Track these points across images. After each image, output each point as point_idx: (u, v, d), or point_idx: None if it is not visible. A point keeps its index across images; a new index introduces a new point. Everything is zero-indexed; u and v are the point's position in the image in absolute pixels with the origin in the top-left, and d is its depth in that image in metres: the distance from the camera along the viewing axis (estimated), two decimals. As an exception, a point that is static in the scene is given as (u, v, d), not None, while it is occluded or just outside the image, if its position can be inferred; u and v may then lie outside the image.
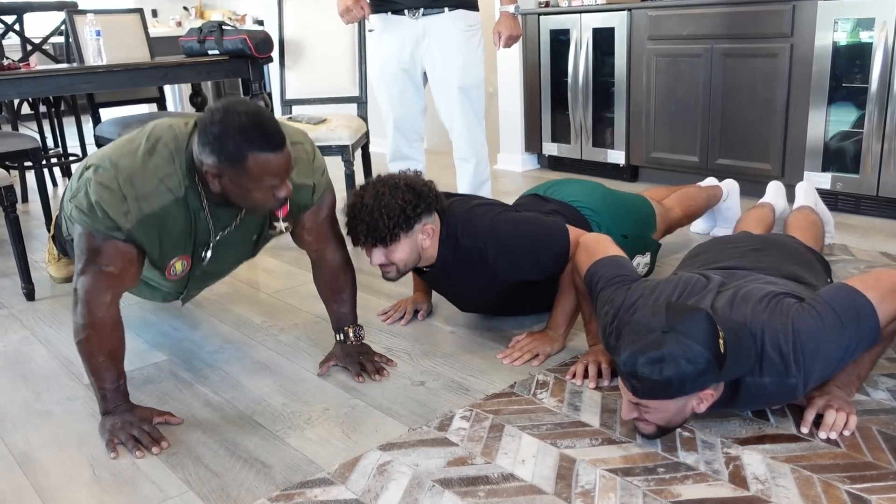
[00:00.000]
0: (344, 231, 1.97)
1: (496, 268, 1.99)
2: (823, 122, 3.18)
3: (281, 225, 1.81)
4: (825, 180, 3.22)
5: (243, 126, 1.53)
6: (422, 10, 2.78)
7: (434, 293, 2.41)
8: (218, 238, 1.81)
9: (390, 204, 1.88)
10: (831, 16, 3.07)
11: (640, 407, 1.48)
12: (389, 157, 3.07)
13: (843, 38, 3.09)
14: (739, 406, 1.61)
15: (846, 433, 1.56)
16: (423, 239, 1.96)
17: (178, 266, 1.81)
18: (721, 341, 1.40)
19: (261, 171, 1.56)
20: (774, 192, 2.66)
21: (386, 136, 3.09)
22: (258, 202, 1.64)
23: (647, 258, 2.45)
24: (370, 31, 2.96)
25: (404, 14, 2.81)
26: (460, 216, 2.03)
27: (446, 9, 2.79)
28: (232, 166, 1.55)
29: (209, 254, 1.83)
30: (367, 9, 2.79)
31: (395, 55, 2.89)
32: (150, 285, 1.95)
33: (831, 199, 3.26)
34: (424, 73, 2.93)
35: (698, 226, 3.04)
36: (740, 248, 1.90)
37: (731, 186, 2.89)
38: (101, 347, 1.67)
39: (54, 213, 3.56)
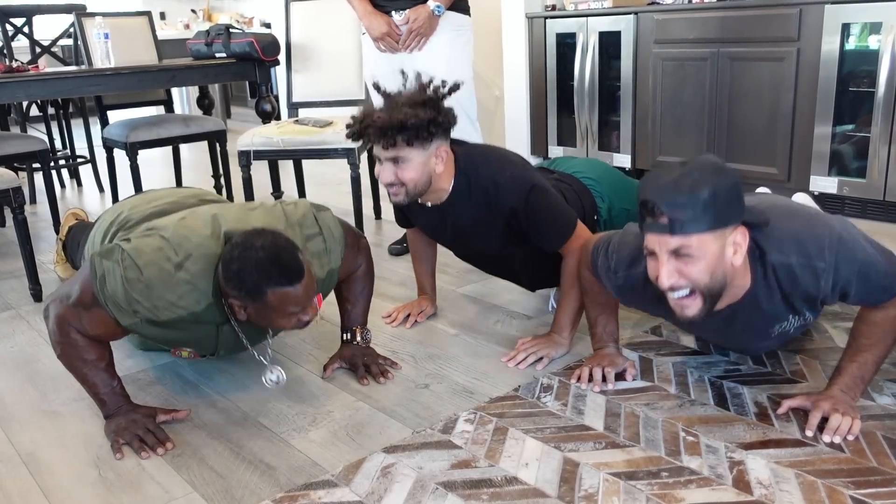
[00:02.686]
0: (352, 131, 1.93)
1: (504, 206, 1.96)
2: (830, 127, 3.18)
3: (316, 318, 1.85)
4: (831, 185, 3.22)
5: (260, 262, 1.56)
6: (407, 11, 2.78)
7: (439, 298, 2.41)
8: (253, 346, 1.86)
9: (413, 103, 1.84)
10: (838, 20, 3.07)
11: (680, 261, 1.41)
12: None
13: (850, 43, 3.09)
14: (767, 302, 1.56)
15: (850, 437, 1.56)
16: (437, 163, 1.93)
17: (185, 353, 1.87)
18: (736, 191, 1.42)
19: (281, 304, 1.60)
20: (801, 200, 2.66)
21: None
22: (282, 326, 1.70)
23: None
24: (363, 33, 2.97)
25: (391, 15, 2.80)
26: (485, 153, 2.02)
27: (436, 11, 2.79)
28: (253, 301, 1.60)
29: (275, 376, 1.91)
30: (393, 36, 2.80)
31: (385, 56, 2.90)
32: (159, 347, 1.98)
33: (837, 203, 3.25)
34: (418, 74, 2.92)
35: None
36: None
37: None
38: (79, 359, 1.68)
39: (62, 216, 3.59)
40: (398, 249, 3.03)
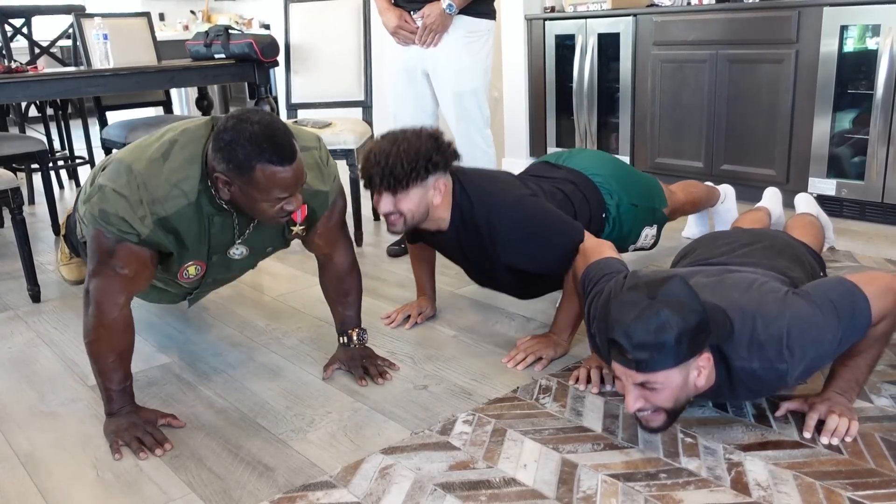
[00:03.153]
0: (358, 174, 1.98)
1: (500, 251, 1.98)
2: (828, 129, 3.18)
3: (298, 229, 1.81)
4: (830, 187, 3.22)
5: (254, 136, 1.53)
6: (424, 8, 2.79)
7: (438, 300, 2.41)
8: (238, 244, 1.82)
9: (409, 149, 1.87)
10: (837, 22, 3.07)
11: (646, 390, 1.44)
12: None
13: (848, 45, 3.09)
14: (732, 395, 1.59)
15: (847, 439, 1.56)
16: (434, 195, 1.95)
17: (192, 270, 1.83)
18: (701, 328, 1.41)
19: (268, 183, 1.56)
20: (771, 197, 2.66)
21: None
22: (266, 214, 1.64)
23: (654, 230, 2.45)
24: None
25: (412, 14, 2.82)
26: (478, 186, 2.01)
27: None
28: (240, 175, 1.56)
29: (240, 251, 1.84)
30: (406, 29, 2.82)
31: (399, 54, 2.92)
32: (158, 288, 1.96)
33: (836, 205, 3.26)
34: (428, 76, 2.94)
35: (690, 230, 3.05)
36: (731, 244, 1.90)
37: (727, 190, 2.91)
38: (110, 348, 1.68)
39: (61, 216, 3.58)
40: (396, 250, 3.03)
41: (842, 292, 1.50)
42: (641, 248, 2.47)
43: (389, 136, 1.94)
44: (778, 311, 1.48)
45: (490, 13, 2.89)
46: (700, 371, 1.46)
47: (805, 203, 2.58)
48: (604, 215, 2.27)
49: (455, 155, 1.98)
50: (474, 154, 3.00)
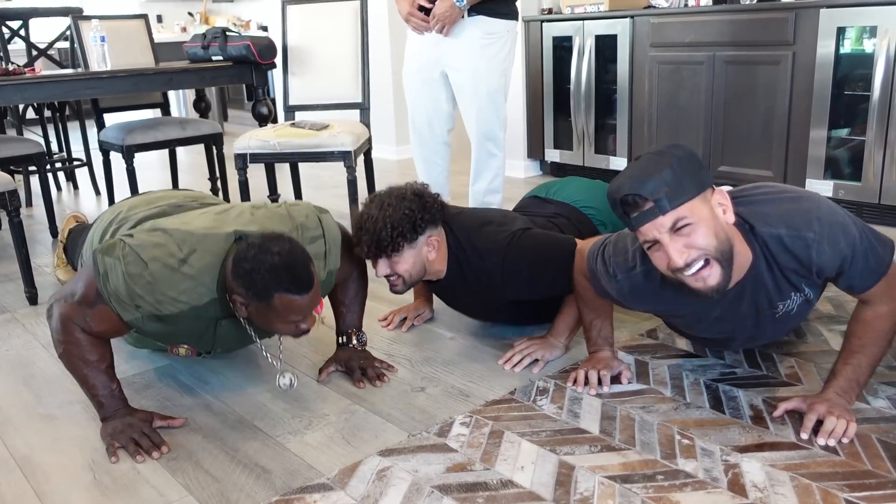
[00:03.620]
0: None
1: (505, 290, 2.00)
2: (825, 130, 3.19)
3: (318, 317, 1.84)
4: (827, 188, 3.22)
5: (274, 267, 1.57)
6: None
7: (436, 299, 2.42)
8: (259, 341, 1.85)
9: (395, 215, 1.89)
10: (834, 24, 3.08)
11: (682, 236, 1.42)
12: (414, 156, 3.17)
13: (845, 46, 3.10)
14: (768, 287, 1.59)
15: (845, 440, 1.56)
16: (429, 251, 1.97)
17: (182, 351, 1.88)
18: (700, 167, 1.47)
19: (286, 310, 1.61)
20: None
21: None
22: (280, 331, 1.70)
23: None
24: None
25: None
26: (470, 233, 2.03)
27: (465, 14, 2.80)
28: (258, 301, 1.60)
29: (287, 381, 1.88)
30: (417, 16, 2.84)
31: (417, 54, 2.93)
32: (155, 344, 1.98)
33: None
34: (446, 76, 2.95)
35: None
36: None
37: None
38: (81, 359, 1.69)
39: (58, 219, 3.58)
40: None
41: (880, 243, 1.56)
42: None
43: (377, 200, 1.95)
44: (815, 197, 1.52)
45: (510, 13, 2.88)
46: (724, 208, 1.48)
47: None
48: None
49: (442, 208, 1.99)
50: (483, 158, 3.01)
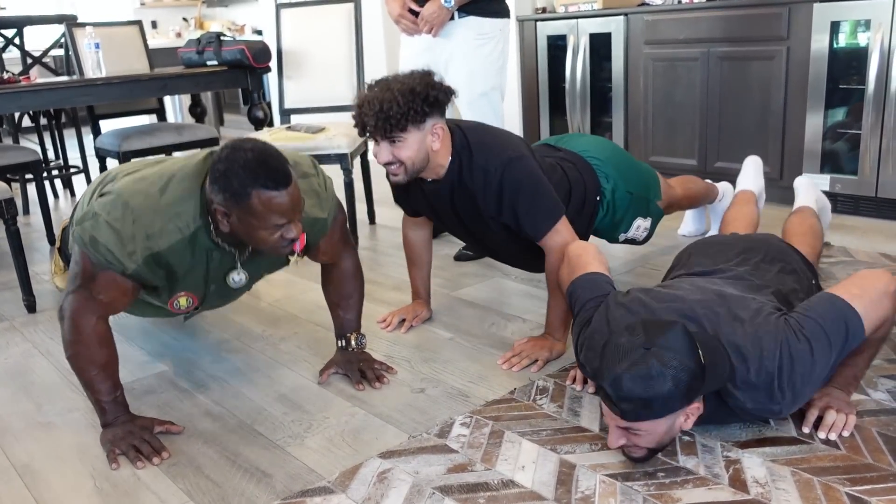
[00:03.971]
0: (352, 123, 1.93)
1: (489, 197, 1.96)
2: (821, 124, 3.19)
3: (295, 257, 1.79)
4: (824, 182, 3.22)
5: (248, 162, 1.53)
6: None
7: (434, 303, 2.41)
8: (239, 270, 1.81)
9: (404, 91, 1.84)
10: (827, 18, 3.08)
11: (630, 432, 1.44)
12: None
13: (839, 41, 3.10)
14: (722, 421, 1.62)
15: (845, 434, 1.56)
16: (433, 140, 1.91)
17: (183, 301, 1.83)
18: (700, 352, 1.39)
19: (266, 209, 1.55)
20: (752, 172, 2.61)
21: None
22: (267, 243, 1.62)
23: (647, 223, 2.42)
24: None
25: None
26: (479, 135, 2.00)
27: (456, 16, 2.81)
28: (237, 204, 1.55)
29: (239, 278, 1.81)
30: (408, 18, 2.85)
31: (412, 56, 2.94)
32: (153, 306, 1.95)
33: (830, 200, 3.25)
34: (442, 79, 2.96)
35: (687, 228, 3.05)
36: (726, 254, 1.89)
37: (726, 189, 2.90)
38: (90, 362, 1.68)
39: (55, 226, 3.58)
40: (466, 255, 2.96)
41: (834, 318, 1.49)
42: (633, 241, 2.45)
43: (381, 82, 1.89)
44: (771, 350, 1.46)
45: (501, 12, 2.88)
46: (688, 417, 1.46)
47: (804, 190, 2.50)
48: (598, 198, 2.27)
49: (450, 92, 1.93)
50: None
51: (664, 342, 1.37)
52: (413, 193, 2.13)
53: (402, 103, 1.82)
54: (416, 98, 1.84)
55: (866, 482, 1.41)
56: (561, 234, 1.98)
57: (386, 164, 1.92)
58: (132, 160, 2.10)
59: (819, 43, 3.12)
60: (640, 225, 2.40)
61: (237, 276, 1.80)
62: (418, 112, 1.85)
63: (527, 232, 1.99)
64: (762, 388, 1.47)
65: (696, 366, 1.37)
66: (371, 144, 1.93)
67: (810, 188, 2.53)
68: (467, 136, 1.99)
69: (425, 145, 1.91)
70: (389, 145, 1.89)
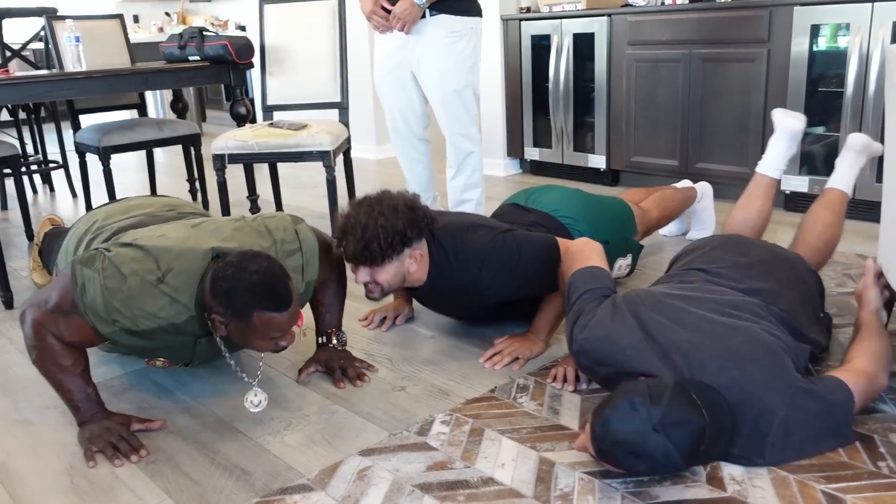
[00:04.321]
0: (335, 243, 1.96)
1: (488, 291, 2.00)
2: (801, 126, 3.22)
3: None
4: (802, 183, 3.26)
5: (253, 285, 1.57)
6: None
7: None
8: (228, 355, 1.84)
9: (386, 226, 1.86)
10: (808, 21, 3.11)
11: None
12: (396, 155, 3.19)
13: (819, 44, 3.13)
14: None
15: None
16: (410, 263, 1.95)
17: (159, 363, 1.88)
18: (702, 447, 1.39)
19: (265, 328, 1.61)
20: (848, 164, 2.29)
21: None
22: (259, 348, 1.70)
23: (628, 260, 2.48)
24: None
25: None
26: (454, 238, 2.02)
27: (428, 13, 2.81)
28: (238, 320, 1.60)
29: (259, 400, 1.86)
30: (379, 14, 2.86)
31: (386, 55, 2.94)
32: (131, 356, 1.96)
33: (809, 202, 3.28)
34: (416, 76, 2.96)
35: (668, 228, 3.07)
36: (749, 263, 1.86)
37: (704, 188, 2.93)
38: (55, 364, 1.67)
39: (34, 221, 3.54)
40: None
41: (841, 412, 1.52)
42: (617, 278, 2.48)
43: (366, 205, 1.91)
44: (769, 405, 1.46)
45: (472, 10, 2.89)
46: None
47: (854, 157, 2.25)
48: None
49: (432, 221, 1.97)
50: (459, 155, 3.02)
51: (674, 433, 1.34)
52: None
53: (383, 241, 1.85)
54: (398, 235, 1.87)
55: (841, 480, 1.43)
56: (571, 245, 2.00)
57: (363, 284, 1.96)
58: (128, 200, 2.11)
59: (799, 46, 3.15)
60: (622, 264, 2.45)
61: (255, 399, 1.85)
62: (398, 248, 1.89)
63: (547, 290, 2.03)
64: (754, 442, 1.48)
65: (684, 461, 1.37)
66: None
67: (861, 156, 2.26)
68: (443, 244, 2.01)
69: (403, 269, 1.95)
70: (368, 268, 1.92)
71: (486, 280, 1.98)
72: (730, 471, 1.48)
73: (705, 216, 2.95)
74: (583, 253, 1.88)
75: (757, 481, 1.44)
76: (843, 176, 2.25)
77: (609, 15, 3.82)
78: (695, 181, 2.98)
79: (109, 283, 1.60)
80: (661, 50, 3.65)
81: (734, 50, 3.38)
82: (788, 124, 2.33)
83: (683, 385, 1.40)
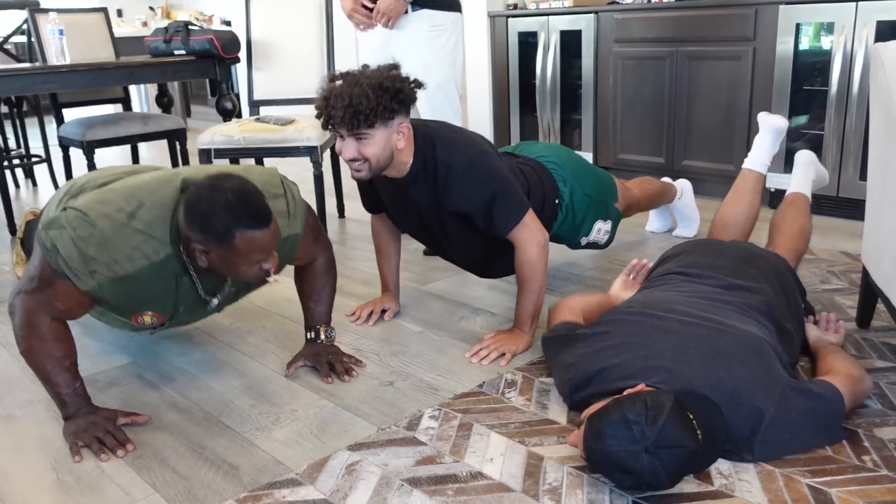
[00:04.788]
0: (316, 114, 1.91)
1: (453, 192, 1.96)
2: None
3: (273, 278, 1.78)
4: (786, 181, 3.27)
5: (230, 203, 1.53)
6: None
7: (403, 296, 2.41)
8: (216, 302, 1.83)
9: (373, 85, 1.81)
10: (793, 20, 3.14)
11: None
12: None
13: (804, 43, 3.16)
14: None
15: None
16: (398, 139, 1.90)
17: (147, 318, 1.81)
18: (689, 470, 1.39)
19: (248, 248, 1.57)
20: (802, 171, 2.46)
21: None
22: (245, 275, 1.65)
23: (608, 225, 2.48)
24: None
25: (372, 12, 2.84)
26: (443, 133, 2.00)
27: (410, 9, 2.82)
28: (219, 244, 1.56)
29: (214, 303, 1.85)
30: (360, 12, 2.85)
31: (370, 51, 2.94)
32: (118, 318, 1.92)
33: (793, 199, 3.32)
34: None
35: (653, 225, 3.09)
36: (726, 263, 1.89)
37: (684, 185, 2.95)
38: (46, 356, 1.65)
39: (17, 216, 3.51)
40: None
41: (832, 415, 1.52)
42: (595, 245, 2.49)
43: (348, 75, 1.86)
44: (761, 403, 1.47)
45: (454, 5, 2.91)
46: None
47: (804, 169, 2.43)
48: (556, 201, 2.29)
49: (417, 87, 1.92)
50: None
51: (665, 457, 1.32)
52: (375, 189, 2.13)
53: (371, 98, 1.80)
54: (386, 94, 1.82)
55: (826, 474, 1.44)
56: (529, 227, 1.99)
57: (350, 161, 1.91)
58: (103, 168, 2.07)
59: (784, 45, 3.17)
60: (601, 228, 2.44)
61: (212, 303, 1.84)
62: (387, 108, 1.83)
63: (496, 227, 2.00)
64: (741, 439, 1.48)
65: (671, 482, 1.36)
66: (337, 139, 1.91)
67: (809, 166, 2.44)
68: (431, 134, 1.99)
69: (391, 143, 1.90)
70: (355, 141, 1.87)
71: (457, 179, 1.93)
72: (717, 465, 1.49)
73: (688, 213, 2.97)
74: (553, 312, 1.96)
75: (743, 475, 1.45)
76: (800, 183, 2.41)
77: (596, 12, 3.83)
78: (678, 178, 3.00)
79: (80, 233, 1.58)
80: (647, 47, 3.66)
81: (720, 48, 3.40)
82: (773, 122, 2.41)
83: (681, 402, 1.38)
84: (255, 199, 1.57)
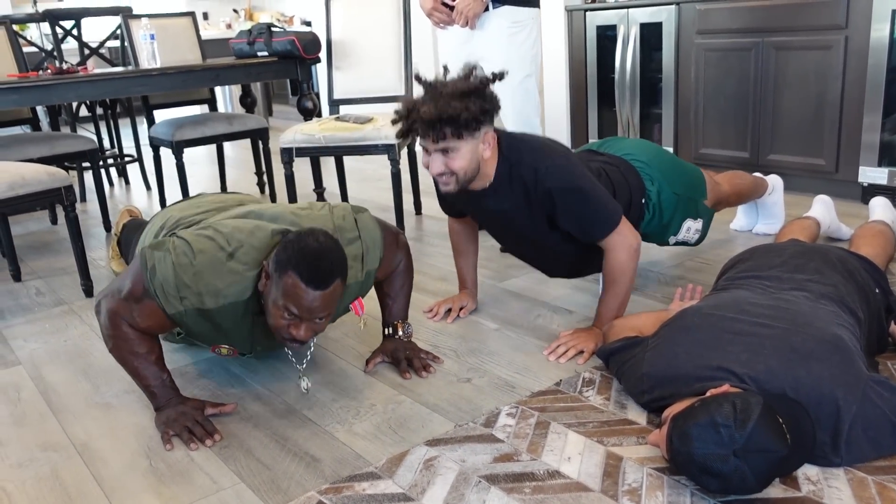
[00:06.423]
0: (398, 126, 1.91)
1: (541, 202, 1.95)
2: (880, 116, 3.10)
3: (362, 321, 1.84)
4: (882, 175, 3.14)
5: (304, 249, 1.60)
6: None
7: (480, 295, 2.41)
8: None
9: (456, 95, 1.80)
10: (888, 6, 2.99)
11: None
12: None
13: (900, 30, 3.01)
14: None
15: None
16: (484, 149, 1.89)
17: (224, 350, 1.90)
18: (777, 474, 1.35)
19: (288, 294, 1.61)
20: (821, 206, 2.60)
21: None
22: (273, 319, 1.66)
23: (699, 224, 2.39)
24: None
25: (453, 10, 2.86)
26: (528, 141, 1.99)
27: (490, 6, 2.82)
28: (276, 270, 1.62)
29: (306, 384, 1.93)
30: (441, 11, 2.88)
31: (451, 49, 2.96)
32: (197, 345, 2.02)
33: (888, 194, 3.16)
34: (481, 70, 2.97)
35: (739, 222, 3.00)
36: (783, 257, 1.86)
37: (776, 181, 2.85)
38: (130, 352, 1.73)
39: (111, 213, 3.68)
40: None
41: None
42: (685, 243, 2.42)
43: (428, 87, 1.86)
44: (845, 402, 1.42)
45: (533, 1, 2.90)
46: None
47: (881, 208, 2.49)
48: (643, 201, 2.24)
49: (500, 104, 1.91)
50: None
51: (753, 461, 1.29)
52: (459, 197, 2.12)
53: (458, 109, 1.78)
54: (471, 105, 1.81)
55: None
56: (622, 232, 1.97)
57: (438, 175, 1.90)
58: (191, 198, 2.18)
59: (879, 32, 3.03)
60: (691, 226, 2.37)
61: (302, 384, 1.92)
62: (473, 119, 1.82)
63: (589, 233, 1.99)
64: (827, 443, 1.43)
65: (759, 485, 1.32)
66: (419, 151, 1.91)
67: (887, 209, 2.47)
68: (516, 139, 1.99)
69: (477, 154, 1.89)
70: (442, 156, 1.87)
71: (542, 189, 1.92)
72: (804, 470, 1.44)
73: (776, 210, 2.87)
74: (611, 329, 1.93)
75: (833, 482, 1.40)
76: (881, 213, 2.44)
77: (677, 4, 3.74)
78: (766, 174, 2.90)
79: (181, 260, 1.66)
80: (731, 38, 3.56)
81: (809, 37, 3.27)
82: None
83: (770, 405, 1.33)
84: (325, 262, 1.61)
